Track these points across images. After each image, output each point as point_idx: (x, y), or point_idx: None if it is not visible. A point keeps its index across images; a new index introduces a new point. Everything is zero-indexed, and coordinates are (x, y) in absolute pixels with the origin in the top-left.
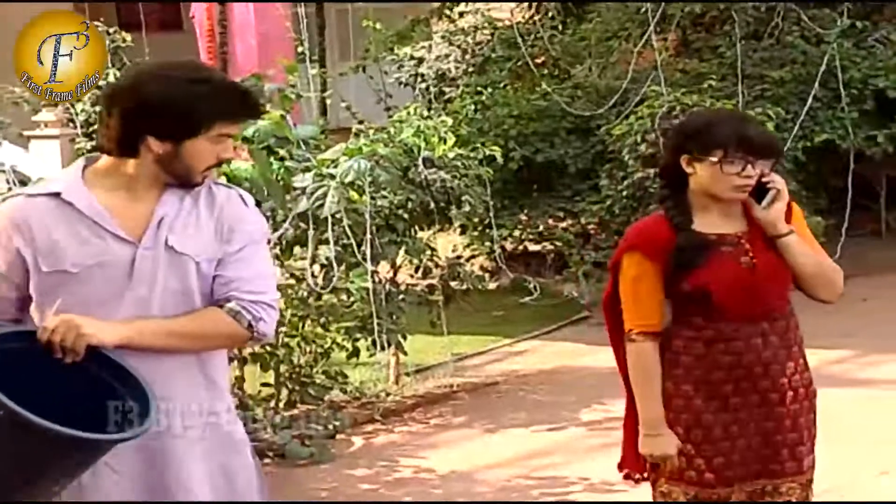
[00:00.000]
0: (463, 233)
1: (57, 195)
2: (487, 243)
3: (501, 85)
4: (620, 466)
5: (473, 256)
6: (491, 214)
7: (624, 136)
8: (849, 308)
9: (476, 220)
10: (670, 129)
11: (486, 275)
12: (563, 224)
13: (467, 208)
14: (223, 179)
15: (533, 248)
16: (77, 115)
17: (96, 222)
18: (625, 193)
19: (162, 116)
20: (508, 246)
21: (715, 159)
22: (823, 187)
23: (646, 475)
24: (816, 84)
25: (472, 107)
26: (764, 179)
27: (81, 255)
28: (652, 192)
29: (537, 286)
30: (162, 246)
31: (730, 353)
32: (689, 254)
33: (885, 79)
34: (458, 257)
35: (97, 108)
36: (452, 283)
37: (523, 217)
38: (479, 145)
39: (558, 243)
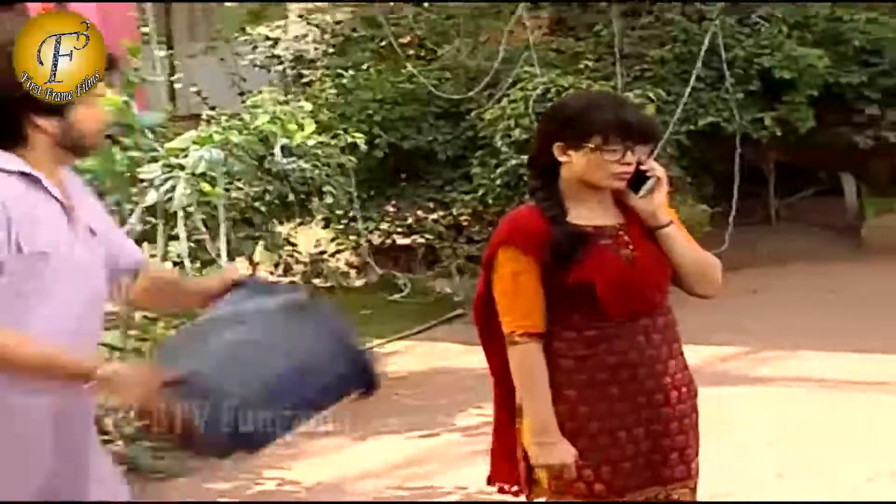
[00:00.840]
0: (326, 226)
1: (27, 175)
2: (353, 237)
3: (364, 67)
4: (491, 480)
5: (338, 251)
6: (356, 206)
7: (496, 120)
8: (738, 301)
9: (340, 212)
10: (543, 115)
11: (352, 271)
12: (434, 215)
13: (329, 200)
14: None
15: (402, 241)
16: None
17: (63, 205)
18: (498, 182)
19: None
20: (375, 240)
21: (592, 146)
22: (709, 173)
23: (519, 489)
24: (699, 63)
25: (333, 90)
26: (643, 167)
27: (55, 237)
28: (526, 180)
29: (407, 282)
30: (88, 230)
31: (613, 353)
32: (567, 248)
33: (771, 57)
34: (322, 252)
35: None
36: (315, 281)
37: (391, 208)
38: (341, 132)
39: (429, 236)
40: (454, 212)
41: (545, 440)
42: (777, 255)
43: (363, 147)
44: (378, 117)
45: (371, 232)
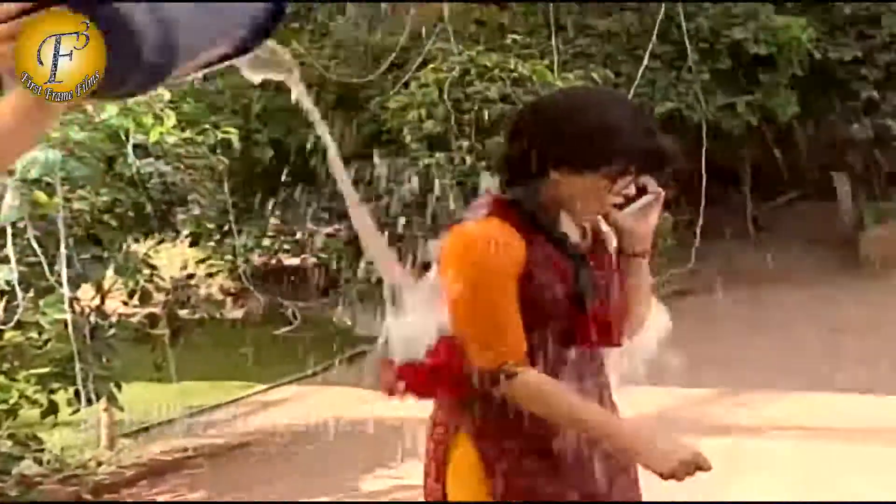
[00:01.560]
0: (194, 244)
1: None
2: (227, 257)
3: None
4: None
5: (210, 275)
6: (230, 218)
7: (404, 109)
8: (712, 332)
9: (211, 226)
10: (533, 119)
11: (228, 299)
12: (329, 229)
13: (197, 211)
14: None
15: (290, 261)
16: None
17: None
18: (408, 186)
19: None
20: (256, 260)
21: (601, 175)
22: (669, 174)
23: None
24: (654, 37)
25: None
26: (639, 182)
27: None
28: (444, 183)
29: (297, 313)
30: None
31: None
32: (585, 278)
33: (744, 28)
34: (189, 276)
35: None
36: (182, 312)
37: (275, 221)
38: (209, 126)
39: (323, 255)
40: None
41: (648, 444)
42: (755, 274)
43: (238, 144)
44: (257, 107)
45: (251, 250)
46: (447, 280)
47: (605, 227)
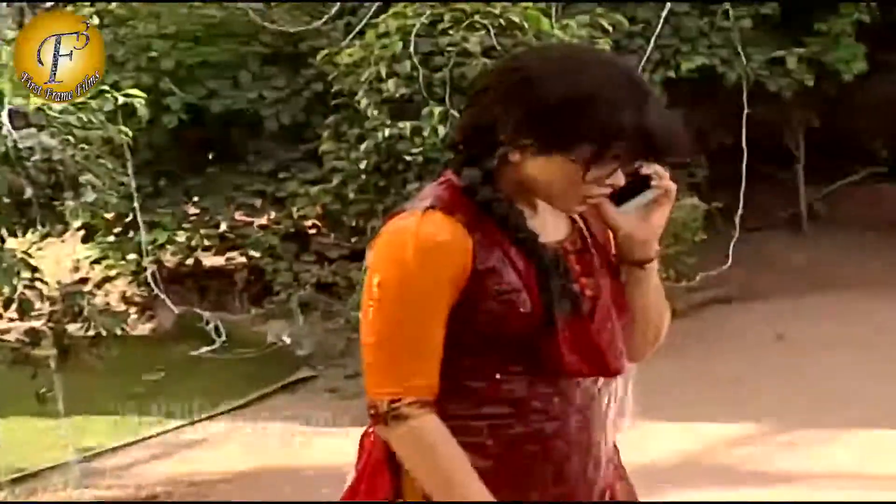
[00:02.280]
0: (87, 239)
1: None
2: (131, 256)
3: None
4: None
5: (108, 279)
6: (135, 206)
7: (357, 66)
8: (753, 352)
9: (109, 216)
10: (496, 82)
11: (132, 310)
12: (262, 219)
13: (91, 197)
14: None
15: (211, 261)
16: None
17: None
18: (364, 164)
19: None
20: (168, 259)
21: (574, 158)
22: (701, 147)
23: None
24: None
25: (94, 21)
26: (643, 171)
27: None
28: (409, 159)
29: (221, 327)
30: None
31: (547, 436)
32: (566, 299)
33: None
34: (81, 281)
35: None
36: (72, 327)
37: (192, 209)
38: (108, 88)
39: (254, 253)
40: (294, 213)
41: None
42: (812, 276)
43: (145, 112)
44: (169, 63)
45: (161, 247)
46: (365, 286)
47: (610, 215)
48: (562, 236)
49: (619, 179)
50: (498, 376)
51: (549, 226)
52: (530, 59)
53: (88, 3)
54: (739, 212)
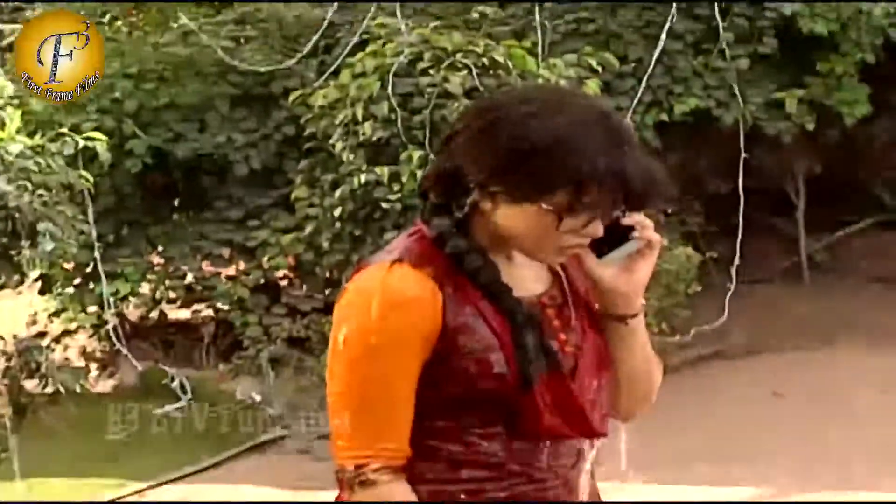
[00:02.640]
0: (45, 290)
1: None
2: (92, 309)
3: (105, 18)
4: None
5: (67, 333)
6: (96, 256)
7: (333, 108)
8: (751, 410)
9: (68, 266)
10: (466, 125)
11: (93, 365)
12: (230, 270)
13: (50, 245)
14: None
15: (177, 314)
16: None
17: None
18: (339, 212)
19: None
20: (131, 312)
21: (548, 207)
22: (696, 194)
23: None
24: (673, 11)
25: None
26: (623, 221)
27: None
28: (387, 206)
29: (187, 384)
30: None
31: (528, 500)
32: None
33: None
34: (39, 335)
35: None
36: (28, 384)
37: (156, 259)
38: (67, 130)
39: (222, 305)
40: (264, 263)
41: None
42: (813, 330)
43: (107, 156)
44: (132, 105)
45: (123, 299)
46: (330, 342)
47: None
48: (541, 289)
49: (598, 229)
50: (474, 438)
51: (528, 279)
52: (503, 100)
53: None
54: (736, 262)
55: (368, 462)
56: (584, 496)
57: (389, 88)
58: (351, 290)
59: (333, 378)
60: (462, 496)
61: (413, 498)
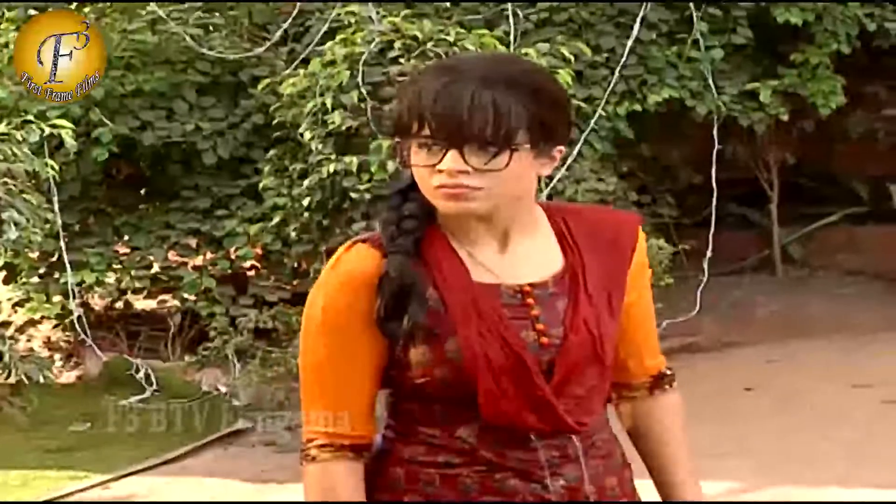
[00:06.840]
0: (10, 280)
1: None
2: (57, 298)
3: (72, 6)
4: None
5: (32, 323)
6: (61, 245)
7: (302, 97)
8: (723, 405)
9: (33, 255)
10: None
11: (57, 356)
12: (197, 260)
13: (14, 234)
14: None
15: (142, 304)
16: None
17: None
18: (307, 202)
19: None
20: (96, 302)
21: (407, 144)
22: (668, 186)
23: None
24: (646, 1)
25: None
26: None
27: None
28: (355, 196)
29: (153, 375)
30: None
31: (507, 488)
32: (412, 310)
33: None
34: (3, 325)
35: None
36: None
37: (122, 249)
38: (32, 118)
39: (188, 296)
40: (231, 253)
41: None
42: (786, 323)
43: (72, 144)
44: (98, 92)
45: (89, 289)
46: None
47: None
48: (534, 279)
49: (452, 165)
50: (448, 423)
51: (520, 266)
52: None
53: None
54: (708, 254)
55: (315, 438)
56: (583, 494)
57: (360, 77)
58: (328, 271)
59: (304, 351)
60: (437, 479)
61: (354, 480)
